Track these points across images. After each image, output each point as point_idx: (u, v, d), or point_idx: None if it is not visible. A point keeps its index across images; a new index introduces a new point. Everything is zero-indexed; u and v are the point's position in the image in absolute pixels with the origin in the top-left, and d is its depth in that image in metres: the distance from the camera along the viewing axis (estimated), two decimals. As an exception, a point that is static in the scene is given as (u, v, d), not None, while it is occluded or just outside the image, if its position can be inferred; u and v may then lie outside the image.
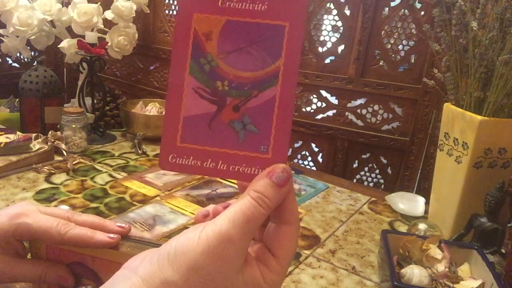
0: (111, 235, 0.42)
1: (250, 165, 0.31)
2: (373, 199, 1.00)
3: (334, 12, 1.19)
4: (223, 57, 0.31)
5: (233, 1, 0.30)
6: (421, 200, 0.95)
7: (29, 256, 0.46)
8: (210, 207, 0.33)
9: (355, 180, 1.26)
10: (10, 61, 1.55)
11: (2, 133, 1.05)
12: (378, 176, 1.24)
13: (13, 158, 0.97)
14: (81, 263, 0.44)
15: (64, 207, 0.80)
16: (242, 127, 0.31)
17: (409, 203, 0.94)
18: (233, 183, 0.99)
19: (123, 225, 0.44)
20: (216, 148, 0.31)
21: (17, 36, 1.22)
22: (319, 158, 1.30)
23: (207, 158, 0.31)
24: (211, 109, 0.31)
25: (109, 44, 1.27)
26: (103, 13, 1.27)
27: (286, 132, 0.31)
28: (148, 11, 1.41)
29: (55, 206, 0.82)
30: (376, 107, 1.20)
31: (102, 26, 1.27)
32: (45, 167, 0.98)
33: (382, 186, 1.24)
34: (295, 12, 0.30)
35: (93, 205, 0.85)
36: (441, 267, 0.64)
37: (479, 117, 0.73)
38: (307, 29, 1.22)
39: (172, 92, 0.31)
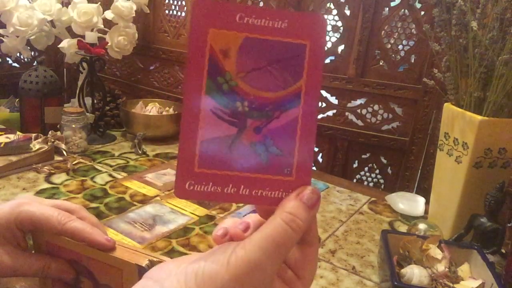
0: (109, 238, 0.43)
1: (274, 188, 0.29)
2: (373, 199, 1.00)
3: (334, 12, 1.19)
4: (242, 76, 0.29)
5: (251, 17, 0.28)
6: (421, 200, 0.95)
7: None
8: (227, 224, 0.32)
9: (355, 180, 1.26)
10: (10, 61, 1.55)
11: (2, 133, 1.05)
12: (378, 176, 1.24)
13: (13, 158, 0.97)
14: (77, 261, 0.44)
15: None
16: (264, 149, 0.29)
17: (409, 203, 0.94)
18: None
19: (109, 238, 0.44)
20: (237, 172, 0.29)
21: (17, 36, 1.22)
22: (319, 158, 1.30)
23: (228, 184, 0.29)
24: (231, 131, 0.29)
25: (109, 44, 1.27)
26: (103, 13, 1.27)
27: (309, 153, 0.30)
28: (148, 11, 1.41)
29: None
30: (376, 107, 1.20)
31: (102, 26, 1.27)
32: (45, 167, 0.98)
33: (382, 186, 1.24)
34: (316, 31, 0.29)
35: (93, 205, 0.85)
36: (441, 267, 0.64)
37: (479, 117, 0.73)
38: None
39: (188, 114, 0.28)
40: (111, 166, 1.05)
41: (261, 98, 0.29)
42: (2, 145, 0.99)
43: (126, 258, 0.42)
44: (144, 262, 0.41)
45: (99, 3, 1.29)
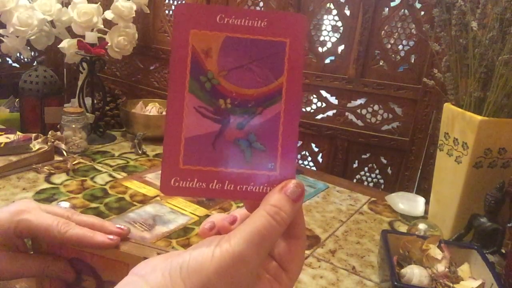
0: (111, 236, 0.42)
1: (258, 183, 0.30)
2: (373, 199, 1.00)
3: (334, 12, 1.19)
4: (224, 74, 0.30)
5: (231, 17, 0.29)
6: (421, 200, 0.95)
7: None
8: (214, 218, 0.32)
9: (355, 180, 1.26)
10: (10, 61, 1.55)
11: (2, 133, 1.05)
12: (378, 176, 1.24)
13: (13, 158, 0.97)
14: (80, 259, 0.44)
15: (65, 203, 0.80)
16: (248, 145, 0.30)
17: (409, 203, 0.94)
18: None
19: (122, 226, 0.44)
20: (221, 168, 0.30)
21: (17, 36, 1.22)
22: (319, 158, 1.30)
23: (212, 179, 0.30)
24: (215, 128, 0.30)
25: (109, 44, 1.27)
26: (103, 13, 1.27)
27: (293, 148, 0.30)
28: (148, 11, 1.41)
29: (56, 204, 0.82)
30: (376, 107, 1.20)
31: (102, 26, 1.27)
32: (45, 167, 0.98)
33: (382, 186, 1.24)
34: (295, 28, 0.30)
35: (93, 205, 0.85)
36: (441, 267, 0.64)
37: (479, 117, 0.73)
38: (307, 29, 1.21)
39: (172, 112, 0.29)
40: (111, 166, 1.05)
41: (243, 95, 0.30)
42: (2, 145, 0.99)
43: (134, 252, 0.42)
44: (152, 255, 0.40)
45: (99, 3, 1.29)
